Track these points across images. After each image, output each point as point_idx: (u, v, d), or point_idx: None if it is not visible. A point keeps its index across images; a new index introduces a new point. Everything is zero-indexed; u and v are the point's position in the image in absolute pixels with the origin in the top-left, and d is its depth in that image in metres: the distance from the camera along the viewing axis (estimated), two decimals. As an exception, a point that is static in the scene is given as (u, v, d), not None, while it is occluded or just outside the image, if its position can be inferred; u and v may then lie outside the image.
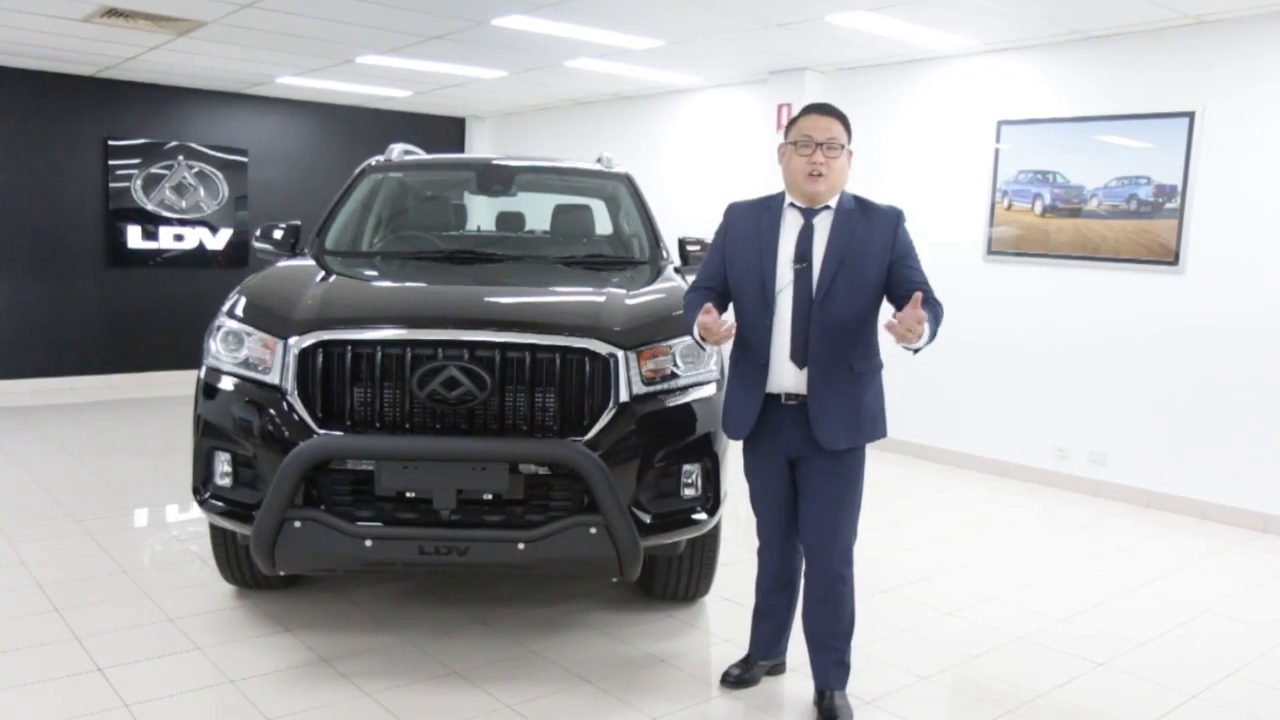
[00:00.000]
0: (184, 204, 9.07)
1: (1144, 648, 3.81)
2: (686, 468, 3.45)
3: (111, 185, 8.78)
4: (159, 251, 9.00)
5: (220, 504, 3.35)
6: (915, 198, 7.02)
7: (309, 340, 3.21)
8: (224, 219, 9.33)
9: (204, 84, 8.99)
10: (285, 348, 3.24)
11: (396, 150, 5.09)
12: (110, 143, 8.76)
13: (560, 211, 5.01)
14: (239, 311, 3.47)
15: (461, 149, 11.00)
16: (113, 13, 6.03)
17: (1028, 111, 6.34)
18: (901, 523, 5.44)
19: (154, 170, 8.95)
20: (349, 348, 3.20)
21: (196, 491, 3.41)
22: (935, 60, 6.85)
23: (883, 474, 6.59)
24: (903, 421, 7.17)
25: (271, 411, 3.22)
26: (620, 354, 3.29)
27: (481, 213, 6.02)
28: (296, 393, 3.21)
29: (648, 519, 3.32)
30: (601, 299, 3.56)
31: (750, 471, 3.17)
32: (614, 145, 9.21)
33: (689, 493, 3.45)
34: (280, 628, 3.65)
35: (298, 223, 4.69)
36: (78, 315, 8.76)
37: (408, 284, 3.97)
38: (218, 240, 9.28)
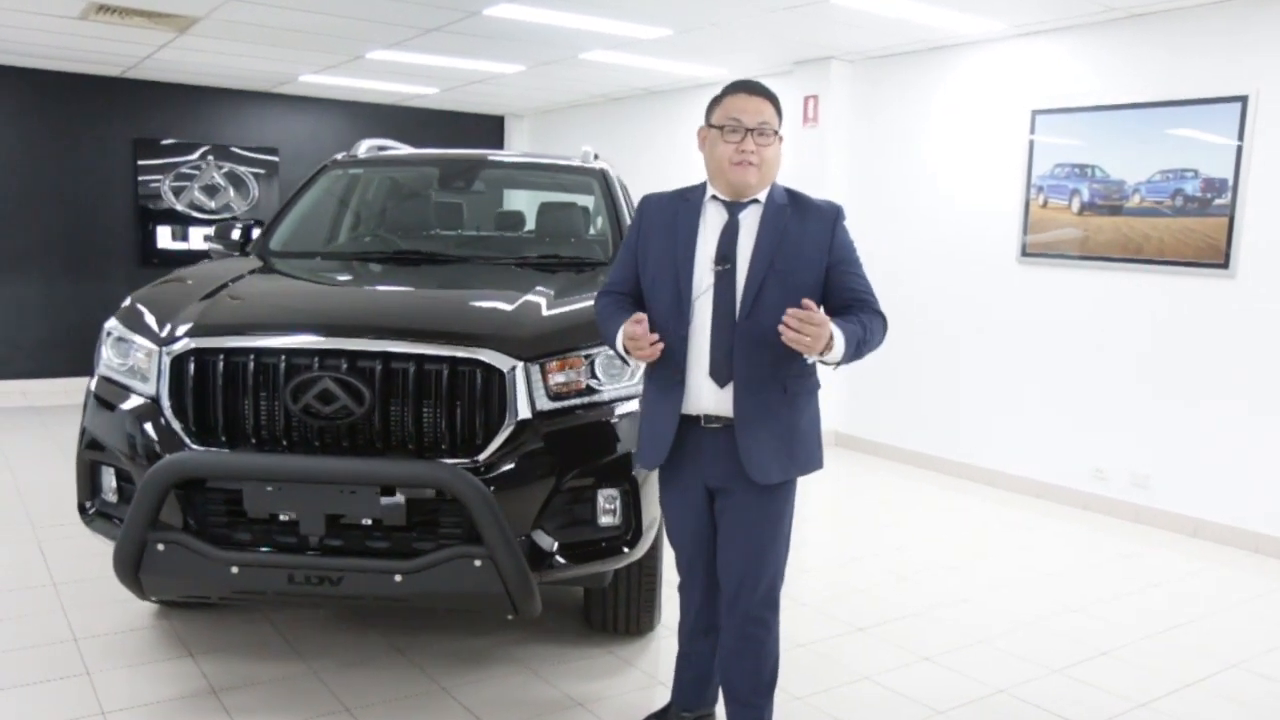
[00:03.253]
0: (214, 204, 9.07)
1: (1145, 709, 3.31)
2: (604, 492, 3.10)
3: (141, 186, 8.82)
4: (189, 252, 9.01)
5: (106, 522, 3.14)
6: (944, 196, 6.54)
7: (182, 347, 2.98)
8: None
9: (231, 83, 8.97)
10: (160, 355, 3.01)
11: (364, 146, 4.87)
12: (140, 143, 8.80)
13: (544, 210, 4.72)
14: (125, 316, 3.27)
15: (500, 147, 10.81)
16: (104, 9, 5.96)
17: (1064, 100, 5.78)
18: (904, 548, 4.97)
19: (184, 171, 8.97)
20: (221, 356, 2.95)
21: (82, 509, 3.21)
22: (964, 46, 6.33)
23: (898, 491, 6.12)
24: (927, 434, 6.71)
25: (146, 425, 3.00)
26: (518, 366, 2.96)
27: (480, 212, 5.75)
28: (170, 404, 2.97)
29: (554, 549, 2.99)
30: (512, 305, 3.23)
31: (665, 501, 2.78)
32: (648, 141, 8.90)
33: (606, 520, 3.11)
34: (184, 652, 3.43)
35: (251, 222, 4.51)
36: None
37: (314, 288, 3.70)
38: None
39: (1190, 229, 5.23)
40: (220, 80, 8.83)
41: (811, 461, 2.68)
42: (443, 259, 4.10)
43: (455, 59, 7.40)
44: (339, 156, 4.78)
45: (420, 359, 2.92)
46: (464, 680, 3.32)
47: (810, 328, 2.34)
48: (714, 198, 2.63)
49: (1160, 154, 5.34)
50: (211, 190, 9.08)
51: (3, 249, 8.35)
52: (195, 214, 9.02)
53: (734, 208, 2.60)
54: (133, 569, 2.86)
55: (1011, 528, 5.41)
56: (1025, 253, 6.02)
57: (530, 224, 4.60)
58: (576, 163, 4.73)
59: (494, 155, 4.88)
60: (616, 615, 3.58)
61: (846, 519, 5.61)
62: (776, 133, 2.59)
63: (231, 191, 9.18)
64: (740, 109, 2.56)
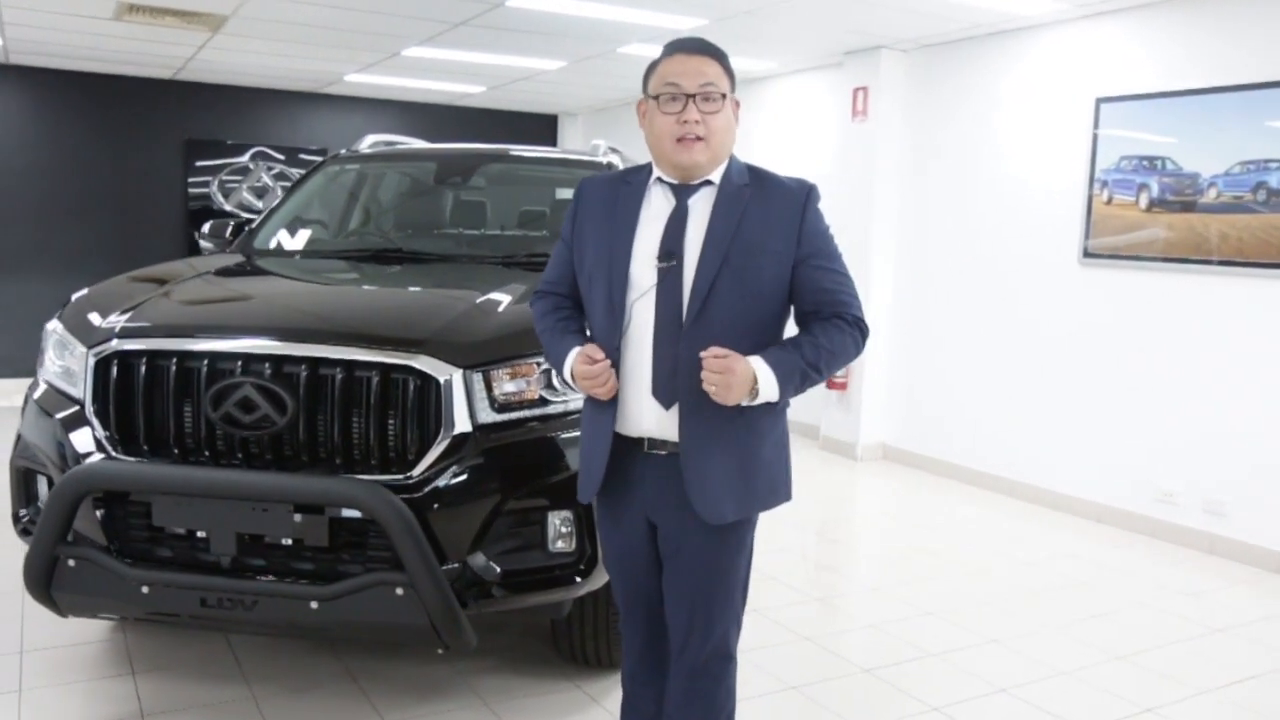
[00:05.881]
0: (261, 205, 9.07)
1: (1184, 779, 2.85)
2: (556, 515, 2.80)
3: (192, 187, 8.87)
4: (238, 253, 9.06)
5: (41, 533, 2.97)
6: (1000, 193, 6.05)
7: (105, 350, 2.78)
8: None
9: (279, 84, 8.97)
10: (88, 357, 2.82)
11: (368, 141, 4.69)
12: (191, 144, 8.86)
13: (556, 208, 4.46)
14: (66, 316, 3.09)
15: (553, 146, 10.60)
16: (135, 9, 5.92)
17: (1132, 86, 5.25)
18: (936, 577, 4.52)
19: (233, 171, 9.00)
20: (144, 359, 2.74)
21: (15, 518, 3.04)
22: (1023, 31, 5.83)
23: (942, 511, 5.65)
24: (980, 449, 6.22)
25: (73, 432, 2.81)
26: (456, 374, 2.68)
27: (489, 209, 5.52)
28: (94, 410, 2.78)
29: (496, 577, 2.70)
30: (465, 307, 2.96)
31: (602, 529, 2.40)
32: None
33: (560, 545, 2.80)
34: (126, 670, 3.25)
35: (244, 219, 4.36)
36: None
37: (262, 288, 3.46)
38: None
39: (1275, 226, 4.66)
40: (268, 81, 8.83)
41: (775, 494, 2.25)
42: (426, 258, 3.85)
43: (491, 55, 7.20)
44: (341, 152, 4.60)
45: (350, 365, 2.66)
46: (410, 714, 3.05)
47: (714, 375, 2.00)
48: (659, 180, 2.22)
49: (1241, 143, 4.78)
50: (260, 191, 9.09)
51: (55, 249, 8.49)
52: (244, 215, 9.02)
53: (682, 192, 2.18)
54: (44, 586, 2.67)
55: (1064, 557, 4.91)
56: (1087, 254, 5.50)
57: (558, 222, 4.32)
58: (583, 156, 4.45)
59: (496, 149, 4.61)
60: (584, 646, 3.26)
61: (877, 542, 5.19)
62: (725, 96, 2.14)
63: (280, 192, 9.17)
64: (678, 72, 2.11)
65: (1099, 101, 5.39)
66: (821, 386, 6.92)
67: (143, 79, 8.68)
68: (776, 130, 7.92)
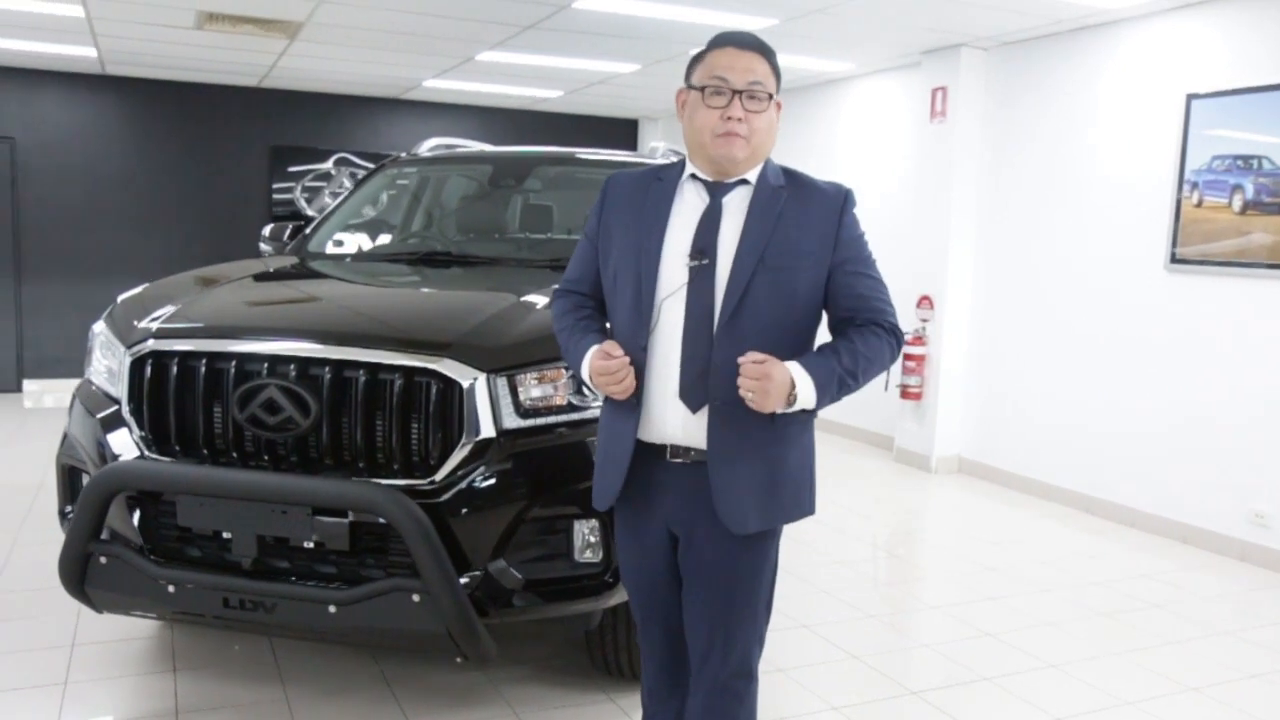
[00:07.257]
0: (342, 210, 9.27)
1: (1253, 828, 2.63)
2: (584, 523, 2.73)
3: (275, 192, 9.12)
4: (319, 256, 9.26)
5: (86, 529, 3.03)
6: (1083, 196, 5.78)
7: (142, 350, 2.82)
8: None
9: (360, 90, 9.15)
10: (124, 358, 2.87)
11: (427, 144, 4.71)
12: (276, 150, 9.10)
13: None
14: (110, 317, 3.16)
15: (634, 150, 10.57)
16: (214, 17, 6.09)
17: (1225, 81, 4.94)
18: (1001, 595, 4.31)
19: (316, 177, 9.20)
20: (175, 360, 2.77)
21: (62, 514, 3.11)
22: (1110, 26, 5.55)
23: (1017, 527, 5.40)
24: (1059, 463, 5.96)
25: (111, 431, 2.86)
26: (480, 378, 2.63)
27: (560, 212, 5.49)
28: (129, 409, 2.82)
29: (518, 584, 2.65)
30: (496, 309, 2.92)
31: (620, 539, 2.32)
32: (784, 141, 8.41)
33: (587, 555, 2.74)
34: (168, 667, 3.30)
35: (302, 223, 4.43)
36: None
37: (299, 291, 3.48)
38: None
39: (1379, 232, 4.33)
40: (350, 88, 9.02)
41: (799, 507, 2.16)
42: (476, 261, 3.84)
43: (564, 58, 7.21)
44: (400, 155, 4.63)
45: (374, 368, 2.65)
46: (439, 721, 3.03)
47: (752, 382, 1.92)
48: (693, 177, 2.14)
49: (1344, 142, 4.46)
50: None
51: (145, 253, 8.80)
52: (324, 219, 9.23)
53: (717, 189, 2.10)
54: (77, 582, 2.72)
55: (1141, 578, 4.63)
56: (1175, 259, 5.19)
57: None
58: (643, 159, 4.39)
59: (552, 152, 4.58)
60: (617, 658, 3.18)
61: (942, 558, 4.97)
62: (771, 96, 2.08)
63: (361, 197, 9.35)
64: (726, 66, 2.05)
65: (1190, 98, 5.09)
66: (896, 395, 6.75)
67: (229, 87, 8.97)
68: (853, 133, 7.73)
